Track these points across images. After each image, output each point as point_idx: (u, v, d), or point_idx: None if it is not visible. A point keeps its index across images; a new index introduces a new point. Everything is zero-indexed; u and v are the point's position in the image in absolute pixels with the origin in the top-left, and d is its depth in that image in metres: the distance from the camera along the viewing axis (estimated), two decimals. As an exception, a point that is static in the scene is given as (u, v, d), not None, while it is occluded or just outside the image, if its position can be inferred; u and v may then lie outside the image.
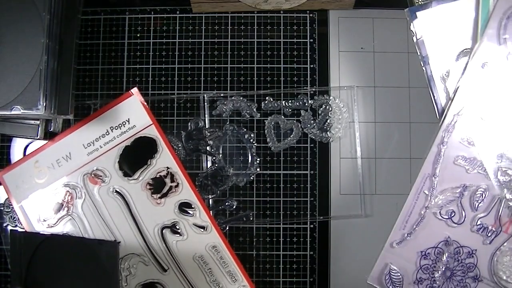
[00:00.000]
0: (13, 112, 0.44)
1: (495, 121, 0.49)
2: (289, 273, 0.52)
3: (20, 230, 0.50)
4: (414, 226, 0.50)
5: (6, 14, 0.45)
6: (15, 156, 0.52)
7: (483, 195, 0.49)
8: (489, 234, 0.49)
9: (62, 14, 0.47)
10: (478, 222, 0.49)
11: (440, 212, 0.50)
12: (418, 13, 0.52)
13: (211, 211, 0.51)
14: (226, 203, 0.52)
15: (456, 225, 0.49)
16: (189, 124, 0.52)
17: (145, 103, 0.51)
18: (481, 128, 0.49)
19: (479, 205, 0.49)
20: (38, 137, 0.49)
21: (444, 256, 0.49)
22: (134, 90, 0.51)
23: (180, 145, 0.52)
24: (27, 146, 0.52)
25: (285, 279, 0.52)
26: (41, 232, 0.49)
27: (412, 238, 0.50)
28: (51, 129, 0.51)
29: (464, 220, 0.49)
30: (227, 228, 0.51)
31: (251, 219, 0.52)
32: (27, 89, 0.44)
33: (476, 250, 0.49)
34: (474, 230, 0.49)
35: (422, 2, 0.53)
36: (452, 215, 0.49)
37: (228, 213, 0.52)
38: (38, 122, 0.49)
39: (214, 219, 0.50)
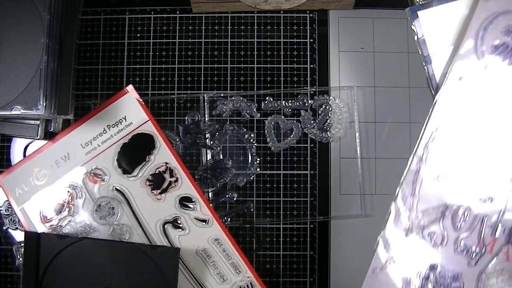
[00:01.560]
0: (13, 112, 0.44)
1: (473, 137, 0.47)
2: (289, 273, 0.52)
3: (38, 231, 0.49)
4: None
5: (6, 14, 0.45)
6: (15, 156, 0.52)
7: (465, 214, 0.47)
8: (473, 256, 0.46)
9: (62, 14, 0.47)
10: (462, 243, 0.46)
11: (422, 233, 0.47)
12: (419, 13, 0.52)
13: (211, 204, 0.51)
14: (227, 195, 0.52)
15: (439, 247, 0.47)
16: (186, 118, 0.52)
17: (141, 100, 0.50)
18: (458, 146, 0.47)
19: (461, 225, 0.47)
20: (38, 137, 0.49)
21: (430, 283, 0.47)
22: (129, 87, 0.51)
23: (177, 139, 0.52)
24: (27, 146, 0.52)
25: (285, 279, 0.52)
26: (61, 234, 0.49)
27: (395, 263, 0.48)
28: (51, 129, 0.51)
29: (447, 241, 0.47)
30: (229, 220, 0.51)
31: (252, 210, 0.52)
32: (27, 89, 0.44)
33: (461, 273, 0.46)
34: (458, 252, 0.47)
35: (423, 2, 0.52)
36: (434, 236, 0.47)
37: (229, 206, 0.52)
38: (38, 122, 0.49)
39: (215, 212, 0.50)
